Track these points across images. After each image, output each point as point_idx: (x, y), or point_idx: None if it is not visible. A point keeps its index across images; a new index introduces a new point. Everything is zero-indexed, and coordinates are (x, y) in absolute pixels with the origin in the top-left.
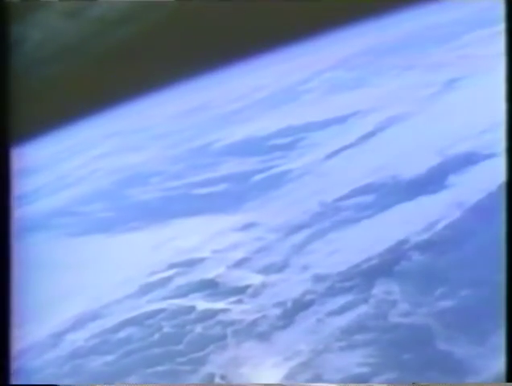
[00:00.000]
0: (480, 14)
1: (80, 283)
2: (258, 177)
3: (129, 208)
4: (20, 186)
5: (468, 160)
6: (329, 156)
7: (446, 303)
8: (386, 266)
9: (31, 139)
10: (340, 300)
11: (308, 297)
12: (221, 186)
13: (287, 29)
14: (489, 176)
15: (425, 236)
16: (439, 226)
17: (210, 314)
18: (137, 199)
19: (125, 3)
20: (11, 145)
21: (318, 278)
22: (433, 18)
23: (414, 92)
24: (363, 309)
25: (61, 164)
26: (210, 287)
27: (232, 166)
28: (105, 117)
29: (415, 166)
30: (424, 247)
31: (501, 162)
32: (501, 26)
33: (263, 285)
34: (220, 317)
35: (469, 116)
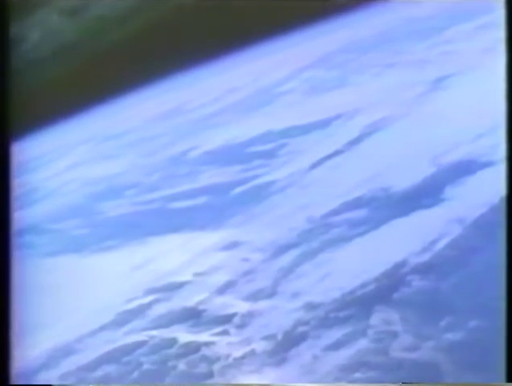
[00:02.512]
0: (460, 7)
1: (53, 311)
2: (238, 189)
3: (103, 224)
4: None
5: (465, 169)
6: (314, 165)
7: (453, 336)
8: (384, 293)
9: (28, 137)
10: (336, 332)
11: (300, 328)
12: (200, 200)
13: (261, 25)
14: (490, 187)
15: (425, 258)
16: (440, 245)
17: (194, 348)
18: (111, 214)
19: (124, 2)
20: (11, 143)
21: (310, 307)
22: (411, 12)
23: (400, 92)
24: (362, 343)
25: (33, 174)
26: (192, 316)
27: (210, 177)
28: (82, 120)
29: (408, 177)
30: (424, 270)
31: (500, 171)
32: (483, 19)
33: (250, 314)
34: (205, 351)
35: (461, 118)
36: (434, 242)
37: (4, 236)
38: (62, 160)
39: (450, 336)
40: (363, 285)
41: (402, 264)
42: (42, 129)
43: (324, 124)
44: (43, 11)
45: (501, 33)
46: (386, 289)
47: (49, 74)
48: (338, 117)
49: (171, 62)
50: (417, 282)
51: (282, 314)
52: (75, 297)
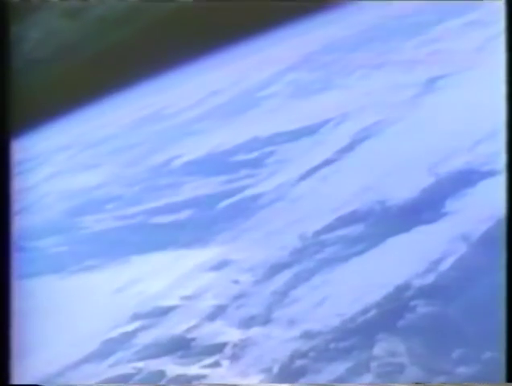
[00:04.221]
0: (444, 4)
1: (31, 339)
2: (225, 203)
3: (83, 242)
4: None
5: (466, 179)
6: (304, 176)
7: (467, 370)
8: (387, 320)
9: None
10: (338, 367)
11: (298, 362)
12: (185, 214)
13: (239, 25)
14: (493, 199)
15: (429, 279)
16: (444, 265)
17: (184, 382)
18: (91, 230)
19: (125, 3)
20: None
21: (308, 336)
22: (392, 9)
23: (390, 94)
24: (367, 378)
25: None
26: (181, 345)
27: (195, 188)
28: (61, 125)
29: (405, 188)
30: (429, 293)
31: (503, 181)
32: (470, 17)
33: (243, 344)
34: None
35: (457, 123)
36: (438, 262)
37: None
38: (40, 169)
39: (463, 370)
40: (364, 311)
41: (404, 286)
42: (41, 131)
43: (311, 130)
44: (44, 12)
45: (490, 31)
46: (388, 316)
47: (50, 74)
48: (326, 122)
49: (152, 63)
50: (422, 308)
51: (277, 344)
52: (55, 324)
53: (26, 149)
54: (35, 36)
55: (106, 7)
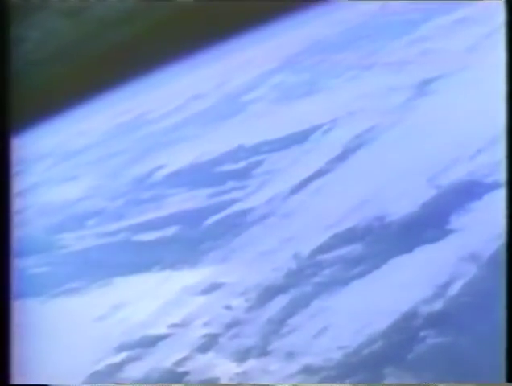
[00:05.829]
0: (430, 1)
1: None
2: (212, 218)
3: (65, 262)
4: None
5: (470, 192)
6: (295, 189)
7: None
8: (395, 352)
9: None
10: None
11: None
12: (170, 230)
13: (221, 24)
14: (501, 214)
15: (438, 306)
16: (454, 290)
17: None
18: (72, 249)
19: (123, 4)
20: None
21: (308, 371)
22: (377, 6)
23: (382, 98)
24: None
25: None
26: (172, 380)
27: (180, 202)
28: (42, 132)
29: (404, 202)
30: (439, 322)
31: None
32: (458, 14)
33: (238, 379)
34: None
35: (456, 129)
36: (446, 286)
37: None
38: (20, 180)
39: None
40: (369, 343)
41: (411, 314)
42: (31, 134)
43: (300, 138)
44: (44, 12)
45: (484, 29)
46: (396, 348)
47: (49, 75)
48: (315, 129)
49: (145, 64)
50: (432, 339)
51: (275, 379)
52: (35, 354)
53: (19, 150)
54: (34, 36)
55: (105, 8)
